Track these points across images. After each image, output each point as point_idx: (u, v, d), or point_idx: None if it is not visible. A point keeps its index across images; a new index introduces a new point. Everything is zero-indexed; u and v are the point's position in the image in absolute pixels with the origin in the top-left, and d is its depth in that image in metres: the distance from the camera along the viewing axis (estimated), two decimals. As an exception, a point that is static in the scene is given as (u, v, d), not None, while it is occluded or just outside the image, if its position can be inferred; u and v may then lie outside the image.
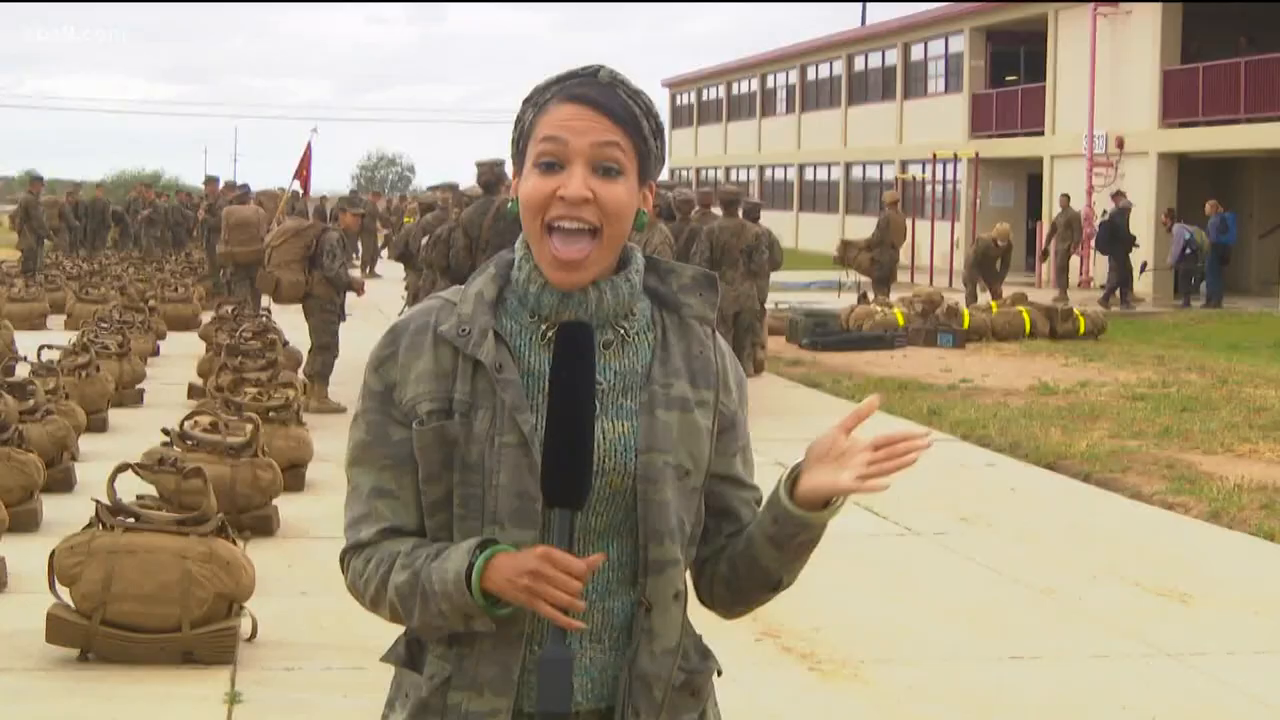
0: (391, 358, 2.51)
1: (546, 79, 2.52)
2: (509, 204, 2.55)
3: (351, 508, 2.55)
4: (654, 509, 2.47)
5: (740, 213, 16.79)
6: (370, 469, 2.52)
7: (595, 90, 2.46)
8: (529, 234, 2.48)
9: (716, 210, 17.25)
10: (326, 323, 14.89)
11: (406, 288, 17.79)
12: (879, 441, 2.45)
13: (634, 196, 2.49)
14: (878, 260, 26.93)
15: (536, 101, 2.50)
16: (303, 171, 26.46)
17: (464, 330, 2.47)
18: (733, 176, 65.16)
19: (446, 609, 2.40)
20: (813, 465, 2.49)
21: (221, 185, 30.88)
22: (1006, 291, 26.63)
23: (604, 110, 2.45)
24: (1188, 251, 30.97)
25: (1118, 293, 30.86)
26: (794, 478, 2.51)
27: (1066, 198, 33.54)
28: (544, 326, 2.49)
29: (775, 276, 31.56)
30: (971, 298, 26.91)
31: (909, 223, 39.37)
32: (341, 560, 2.57)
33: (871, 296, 25.42)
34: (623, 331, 2.53)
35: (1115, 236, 30.89)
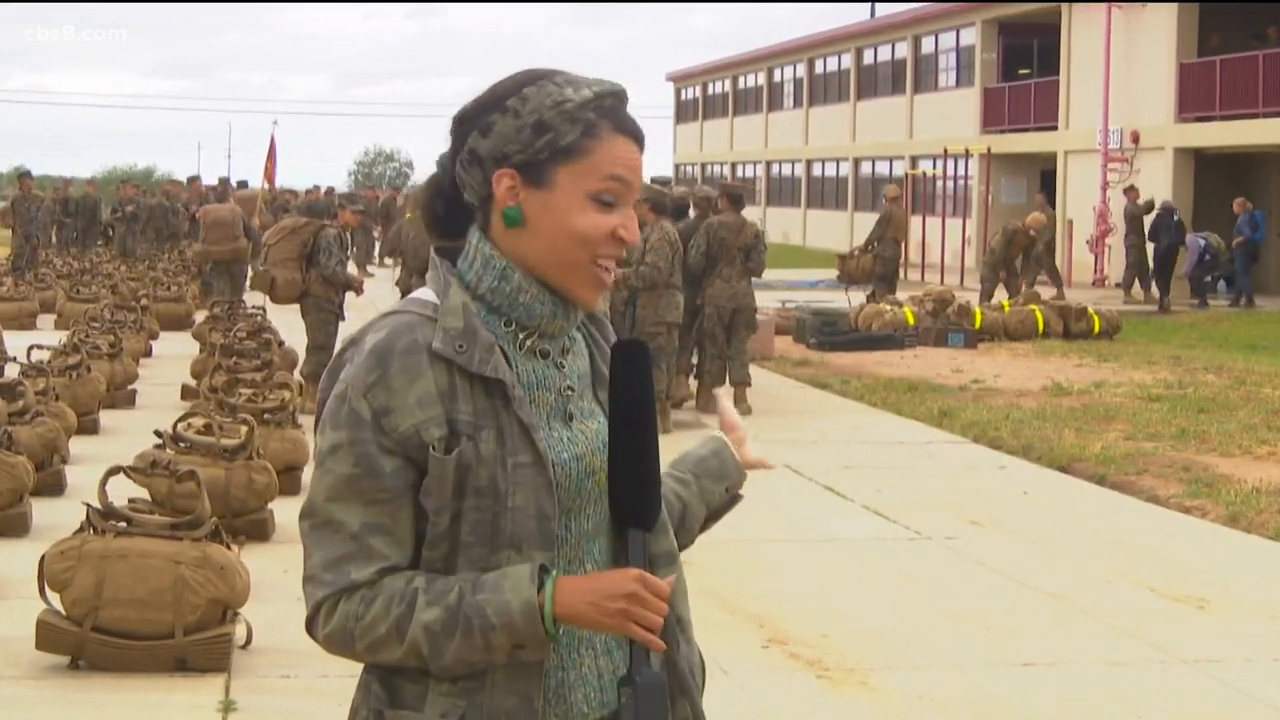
0: (380, 382, 2.38)
1: (577, 90, 2.44)
2: (508, 209, 2.48)
3: (328, 547, 2.43)
4: None
5: (741, 210, 16.85)
6: (356, 504, 2.40)
7: (636, 124, 2.49)
8: (568, 261, 2.44)
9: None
10: (324, 322, 14.88)
11: (398, 284, 17.80)
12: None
13: None
14: (880, 256, 26.90)
15: (580, 119, 2.42)
16: (268, 166, 26.52)
17: (461, 346, 2.40)
18: (738, 172, 65.14)
19: (499, 641, 2.34)
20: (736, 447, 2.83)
21: (213, 182, 30.94)
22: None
23: (641, 149, 2.49)
24: (1206, 258, 30.82)
25: (1151, 287, 30.65)
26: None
27: (1042, 196, 33.49)
28: (522, 335, 2.48)
29: (782, 274, 31.86)
30: (988, 295, 26.71)
31: (920, 220, 39.49)
32: (319, 606, 2.46)
33: (876, 295, 25.41)
34: (569, 336, 2.55)
35: (1178, 232, 30.49)
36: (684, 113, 73.65)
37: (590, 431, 2.49)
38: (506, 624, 2.32)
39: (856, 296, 25.91)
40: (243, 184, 29.16)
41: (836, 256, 28.78)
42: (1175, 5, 35.10)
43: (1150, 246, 31.08)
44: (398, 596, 2.38)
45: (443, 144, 2.51)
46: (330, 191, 41.73)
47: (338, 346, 2.53)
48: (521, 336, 2.48)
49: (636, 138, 2.47)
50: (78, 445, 11.80)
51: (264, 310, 17.88)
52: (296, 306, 15.15)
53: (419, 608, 2.37)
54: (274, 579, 8.32)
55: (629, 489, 2.39)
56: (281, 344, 15.89)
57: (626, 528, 2.40)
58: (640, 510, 2.41)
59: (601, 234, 2.42)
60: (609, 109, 2.45)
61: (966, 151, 41.10)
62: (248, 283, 15.82)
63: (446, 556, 2.41)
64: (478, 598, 2.35)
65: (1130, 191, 32.51)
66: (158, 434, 9.61)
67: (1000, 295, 26.82)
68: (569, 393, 2.50)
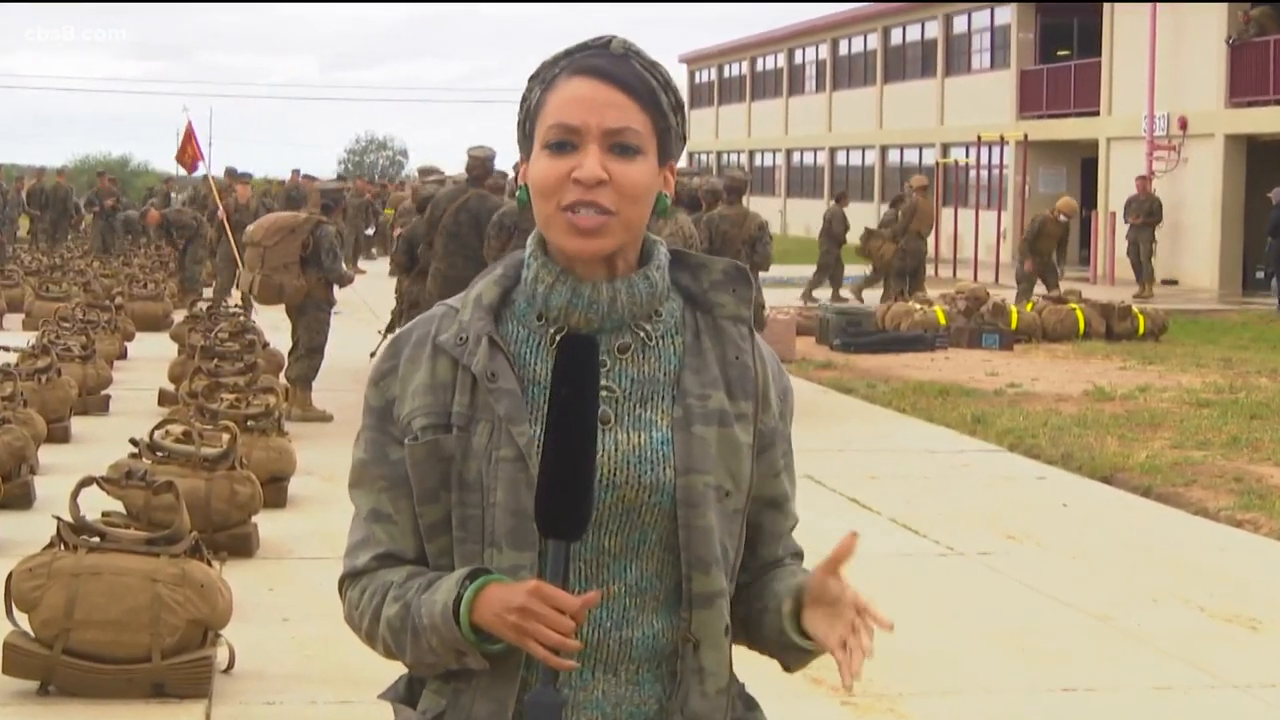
0: (392, 372, 2.55)
1: (555, 53, 2.53)
2: (517, 191, 2.56)
3: (351, 532, 2.60)
4: (697, 535, 2.48)
5: (742, 201, 16.91)
6: (368, 491, 2.56)
7: (608, 62, 2.47)
8: (540, 220, 2.49)
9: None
10: (321, 323, 14.90)
11: (397, 290, 17.82)
12: (861, 605, 2.45)
13: (654, 178, 2.49)
14: (904, 250, 26.89)
15: (544, 77, 2.50)
16: (187, 150, 26.42)
17: (462, 338, 2.50)
18: (757, 161, 65.18)
19: (436, 644, 2.43)
20: (811, 606, 2.51)
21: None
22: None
23: (618, 83, 2.46)
24: None
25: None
26: (797, 607, 2.54)
27: (922, 183, 32.85)
28: (552, 330, 2.50)
29: (804, 270, 31.81)
30: (1025, 294, 26.61)
31: (952, 212, 39.47)
32: (340, 588, 2.62)
33: (904, 290, 25.38)
34: (643, 334, 2.53)
35: None
36: (698, 97, 73.64)
37: (627, 443, 2.48)
38: (432, 626, 2.43)
39: (870, 292, 25.87)
40: (236, 172, 29.14)
41: (865, 229, 28.64)
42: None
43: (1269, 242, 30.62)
44: (379, 588, 2.52)
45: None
46: (297, 175, 41.77)
47: None
48: (552, 331, 2.50)
49: (594, 71, 2.47)
50: (47, 454, 11.81)
51: (244, 307, 17.90)
52: (281, 305, 15.16)
53: (386, 602, 2.51)
54: (258, 598, 8.32)
55: (548, 493, 2.36)
56: (266, 345, 15.90)
57: (549, 536, 2.38)
58: (563, 518, 2.36)
59: (555, 179, 2.45)
60: (577, 60, 2.49)
61: (1002, 139, 41.08)
62: (240, 284, 15.81)
63: (447, 551, 2.50)
64: (423, 596, 2.46)
65: (1141, 181, 32.56)
66: (133, 442, 9.62)
67: (1039, 290, 26.76)
68: (608, 394, 2.49)
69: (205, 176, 26.85)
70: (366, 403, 2.57)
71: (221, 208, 24.21)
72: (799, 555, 2.71)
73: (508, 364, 2.47)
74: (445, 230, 14.65)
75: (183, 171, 29.69)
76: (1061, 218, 27.59)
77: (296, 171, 43.90)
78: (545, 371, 2.48)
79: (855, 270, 29.81)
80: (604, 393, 2.47)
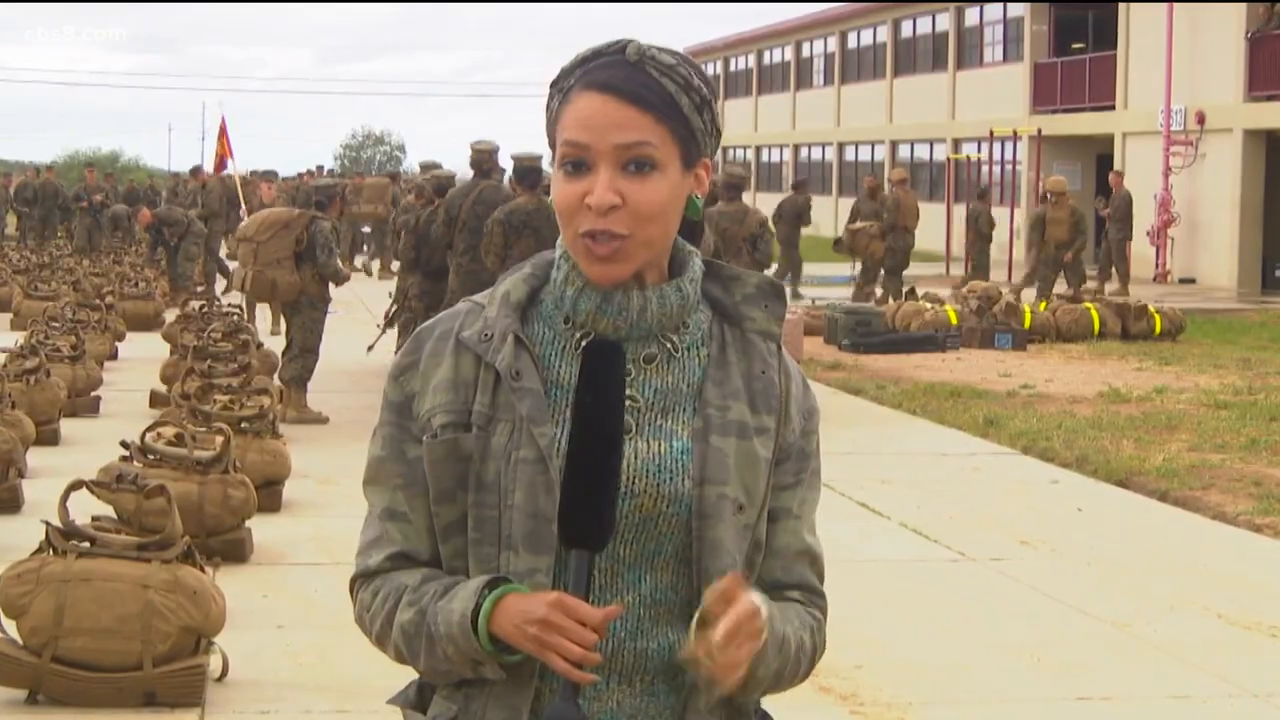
0: (412, 366, 2.55)
1: (572, 59, 2.51)
2: (550, 201, 2.57)
3: (365, 530, 2.60)
4: (709, 548, 2.49)
5: (742, 197, 16.96)
6: (383, 488, 2.56)
7: (620, 74, 2.45)
8: (564, 238, 2.51)
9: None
10: (315, 322, 14.89)
11: (396, 289, 17.87)
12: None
13: (675, 189, 2.48)
14: (892, 248, 26.93)
15: (561, 87, 2.50)
16: (223, 153, 26.51)
17: (486, 335, 2.50)
18: (764, 157, 65.15)
19: (453, 653, 2.43)
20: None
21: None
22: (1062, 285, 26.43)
23: (629, 98, 2.44)
24: None
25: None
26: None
27: (901, 176, 32.09)
28: (579, 334, 2.51)
29: (811, 269, 31.83)
30: (1044, 295, 26.46)
31: (964, 209, 39.39)
32: (351, 588, 2.61)
33: (900, 289, 25.40)
34: (669, 345, 2.54)
35: None
36: (703, 91, 73.65)
37: (647, 451, 2.48)
38: (449, 635, 2.42)
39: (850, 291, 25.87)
40: (261, 171, 29.24)
41: (847, 228, 28.51)
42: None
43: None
44: (393, 591, 2.52)
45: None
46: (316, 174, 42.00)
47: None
48: (578, 335, 2.51)
49: (603, 87, 2.45)
50: (36, 457, 11.81)
51: (241, 309, 17.89)
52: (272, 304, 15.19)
53: (401, 606, 2.50)
54: (252, 604, 8.31)
55: (571, 503, 2.38)
56: (260, 345, 15.90)
57: (572, 546, 2.39)
58: (587, 527, 2.38)
59: (571, 203, 2.45)
60: (589, 71, 2.48)
61: (1015, 134, 41.07)
62: (234, 280, 15.84)
63: (462, 553, 2.51)
64: (439, 604, 2.46)
65: (1116, 176, 32.61)
66: (124, 445, 9.61)
67: (1060, 287, 26.68)
68: (631, 404, 2.49)
69: (231, 175, 26.93)
70: (385, 397, 2.57)
71: (245, 207, 24.26)
72: (811, 591, 2.69)
73: (532, 363, 2.48)
74: (465, 226, 14.89)
75: (207, 168, 29.77)
76: (1050, 196, 27.51)
77: (320, 169, 44.21)
78: (569, 375, 2.48)
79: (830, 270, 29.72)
80: (627, 402, 2.48)
